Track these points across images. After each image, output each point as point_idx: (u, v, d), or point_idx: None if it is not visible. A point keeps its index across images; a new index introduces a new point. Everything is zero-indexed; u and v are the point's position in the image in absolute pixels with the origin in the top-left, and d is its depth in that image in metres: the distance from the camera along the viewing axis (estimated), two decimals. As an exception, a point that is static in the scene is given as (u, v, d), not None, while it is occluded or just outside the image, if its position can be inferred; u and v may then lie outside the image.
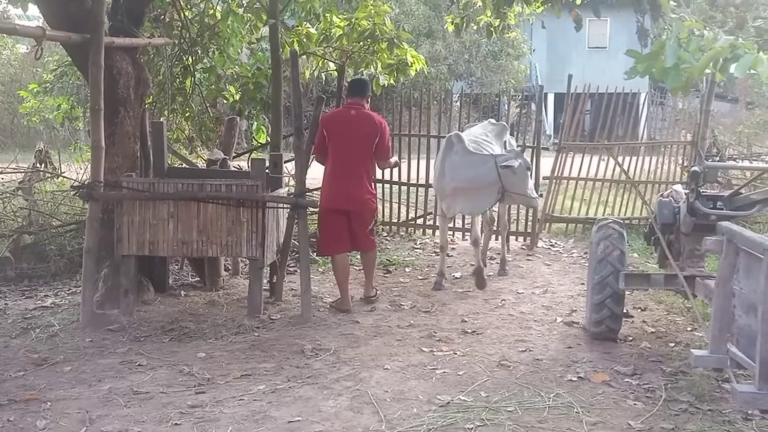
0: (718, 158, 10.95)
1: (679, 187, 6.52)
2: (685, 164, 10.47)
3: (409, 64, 9.77)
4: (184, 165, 9.36)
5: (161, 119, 8.57)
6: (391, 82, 10.04)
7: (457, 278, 8.36)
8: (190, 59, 9.07)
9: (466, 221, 10.52)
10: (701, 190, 5.77)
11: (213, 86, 9.76)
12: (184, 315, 6.69)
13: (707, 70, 4.24)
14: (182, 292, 7.45)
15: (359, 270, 7.98)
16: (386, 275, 8.47)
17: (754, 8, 7.50)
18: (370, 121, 7.08)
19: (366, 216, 7.21)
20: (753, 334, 3.64)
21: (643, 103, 11.76)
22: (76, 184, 8.35)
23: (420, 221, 10.78)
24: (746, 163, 11.10)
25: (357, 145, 7.03)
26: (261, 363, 5.47)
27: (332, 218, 7.08)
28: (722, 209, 5.66)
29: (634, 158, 11.05)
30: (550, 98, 28.18)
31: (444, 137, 10.57)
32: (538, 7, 7.98)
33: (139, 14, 7.24)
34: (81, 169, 10.82)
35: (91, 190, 6.39)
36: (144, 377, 5.19)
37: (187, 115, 9.81)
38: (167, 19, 8.66)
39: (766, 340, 3.45)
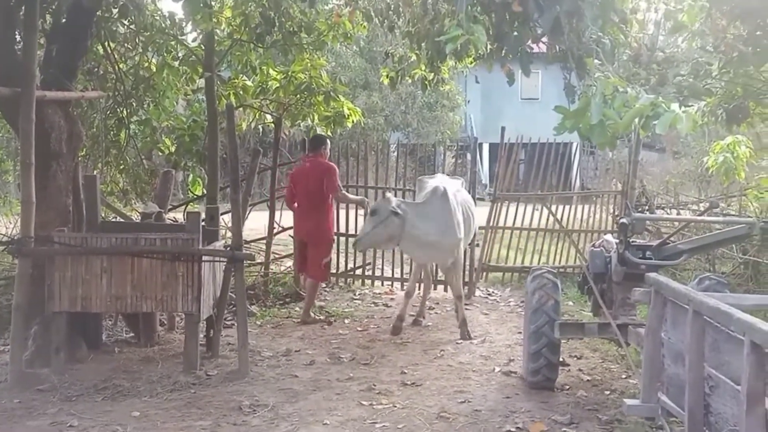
0: (647, 207, 11.26)
1: (609, 237, 6.69)
2: (616, 213, 10.75)
3: (346, 116, 9.88)
4: (118, 218, 9.21)
5: (95, 172, 8.45)
6: (329, 133, 10.12)
7: (395, 329, 8.36)
8: (124, 112, 9.00)
9: (405, 272, 10.58)
10: (631, 240, 5.94)
11: (148, 138, 9.69)
12: (118, 372, 6.52)
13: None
14: (116, 349, 7.27)
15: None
16: (325, 327, 8.41)
17: (675, 65, 7.84)
18: (319, 167, 8.65)
19: (319, 247, 8.68)
20: (681, 383, 3.73)
21: (575, 153, 12.07)
22: (5, 239, 8.13)
23: (359, 272, 10.78)
24: (673, 213, 11.44)
25: (311, 188, 8.61)
26: (197, 421, 5.36)
27: (299, 246, 8.89)
28: (651, 259, 5.83)
29: (567, 207, 11.31)
30: (485, 148, 28.73)
31: (382, 188, 10.73)
32: (471, 62, 8.18)
33: (73, 67, 7.18)
34: (11, 223, 10.55)
35: (20, 246, 6.24)
36: (75, 439, 5.04)
37: (121, 167, 9.69)
38: (101, 72, 8.59)
39: (694, 390, 3.54)
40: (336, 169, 8.89)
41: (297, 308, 9.19)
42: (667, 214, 11.39)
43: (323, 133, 9.67)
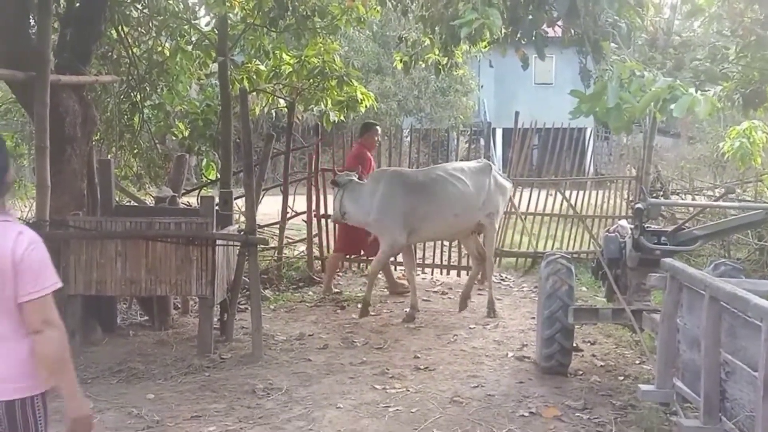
0: (662, 193, 11.20)
1: (624, 222, 6.65)
2: (631, 199, 10.70)
3: (359, 100, 9.86)
4: (132, 202, 9.25)
5: (109, 156, 8.49)
6: (342, 118, 10.11)
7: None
8: (138, 96, 9.01)
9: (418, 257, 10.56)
10: (646, 226, 5.90)
11: (162, 123, 9.70)
12: (133, 355, 6.57)
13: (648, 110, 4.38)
14: (131, 332, 7.32)
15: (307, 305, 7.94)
16: (338, 312, 8.43)
17: (691, 50, 7.77)
18: (353, 152, 9.49)
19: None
20: (697, 368, 3.72)
21: (589, 138, 12.00)
22: (21, 222, 8.18)
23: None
24: (688, 199, 11.37)
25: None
26: (211, 404, 5.40)
27: (344, 227, 9.07)
28: (666, 244, 5.79)
29: (581, 192, 11.25)
30: (499, 133, 28.58)
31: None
32: (485, 46, 8.13)
33: (87, 52, 7.18)
34: (26, 207, 10.60)
35: (35, 229, 6.24)
36: (90, 421, 5.07)
37: (135, 151, 9.72)
38: (115, 56, 8.60)
39: (710, 375, 3.52)
40: (358, 155, 9.23)
41: (310, 292, 9.21)
42: (682, 199, 11.32)
43: (372, 121, 10.22)
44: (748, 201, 9.77)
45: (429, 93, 26.76)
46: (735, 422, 3.40)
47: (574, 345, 6.36)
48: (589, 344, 7.13)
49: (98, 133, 8.45)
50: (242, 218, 8.42)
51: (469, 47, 8.53)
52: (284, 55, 9.72)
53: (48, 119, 6.23)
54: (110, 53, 8.57)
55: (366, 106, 10.14)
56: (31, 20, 6.96)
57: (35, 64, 6.23)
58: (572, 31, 6.06)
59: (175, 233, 6.46)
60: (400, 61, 9.43)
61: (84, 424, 2.80)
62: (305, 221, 10.25)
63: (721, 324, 3.55)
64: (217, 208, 7.04)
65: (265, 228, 10.39)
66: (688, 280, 3.94)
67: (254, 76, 9.73)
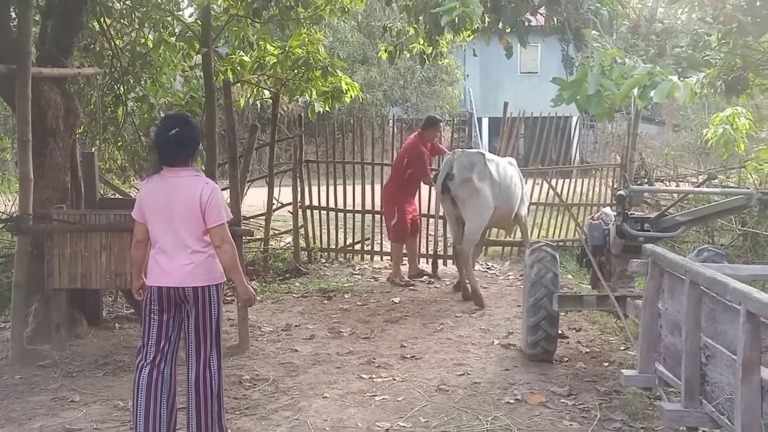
0: (646, 180, 11.25)
1: (608, 210, 6.69)
2: (615, 186, 10.75)
3: (344, 91, 9.83)
4: (116, 195, 9.21)
5: (93, 149, 8.44)
6: (327, 109, 10.09)
7: (396, 303, 8.39)
8: (121, 88, 8.95)
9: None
10: (629, 213, 5.94)
11: (146, 115, 9.63)
12: (119, 348, 6.56)
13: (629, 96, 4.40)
14: (117, 325, 7.31)
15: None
16: (325, 302, 8.44)
17: (673, 37, 7.80)
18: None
19: (384, 212, 9.72)
20: (678, 353, 3.75)
21: (575, 127, 12.03)
22: (4, 216, 8.14)
23: (358, 247, 10.79)
24: (673, 185, 11.43)
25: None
26: (198, 395, 5.39)
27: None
28: (649, 231, 5.83)
29: (567, 181, 11.30)
30: (485, 122, 28.63)
31: (379, 164, 10.72)
32: (468, 35, 8.13)
33: (68, 44, 7.13)
34: (9, 201, 10.55)
35: (19, 223, 6.25)
36: (77, 414, 5.08)
37: (119, 144, 9.64)
38: (97, 49, 8.53)
39: (690, 359, 3.55)
40: (416, 149, 9.19)
41: (297, 283, 9.22)
42: (666, 186, 11.38)
43: (435, 115, 10.00)
44: (731, 187, 9.83)
45: (415, 83, 26.78)
46: (715, 405, 3.43)
47: (560, 332, 6.41)
48: (574, 331, 7.18)
49: (82, 126, 8.38)
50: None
51: (453, 36, 8.53)
52: (268, 46, 9.68)
53: (30, 112, 6.20)
54: (92, 45, 8.50)
55: (351, 97, 10.12)
56: (11, 12, 6.90)
57: (16, 56, 6.19)
58: (554, 19, 6.08)
59: (159, 225, 6.43)
60: (385, 50, 9.42)
61: (249, 301, 4.62)
62: (291, 212, 10.25)
63: (701, 308, 3.58)
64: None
65: (251, 219, 10.39)
66: (668, 266, 3.97)
67: (238, 68, 9.68)
